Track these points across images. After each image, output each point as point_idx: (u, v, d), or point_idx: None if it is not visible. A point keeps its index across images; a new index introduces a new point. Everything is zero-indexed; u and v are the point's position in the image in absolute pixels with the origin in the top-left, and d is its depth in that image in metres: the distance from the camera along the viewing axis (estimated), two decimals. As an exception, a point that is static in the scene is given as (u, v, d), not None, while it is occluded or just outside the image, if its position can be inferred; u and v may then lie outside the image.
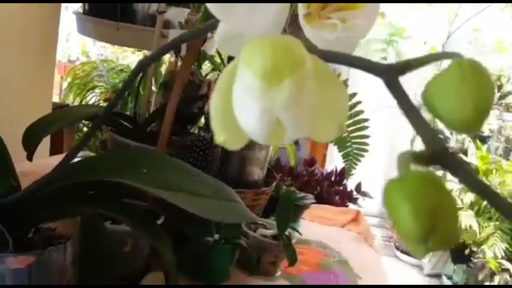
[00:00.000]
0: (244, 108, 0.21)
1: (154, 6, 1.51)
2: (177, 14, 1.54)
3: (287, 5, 0.24)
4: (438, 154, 0.20)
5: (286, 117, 0.21)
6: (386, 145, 3.76)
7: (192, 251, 0.87)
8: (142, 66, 0.50)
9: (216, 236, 0.90)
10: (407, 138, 3.75)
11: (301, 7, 0.24)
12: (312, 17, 0.24)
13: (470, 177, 0.20)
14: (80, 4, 1.54)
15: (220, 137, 0.23)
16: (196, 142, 0.92)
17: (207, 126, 0.93)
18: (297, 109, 0.20)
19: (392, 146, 3.88)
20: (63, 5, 1.56)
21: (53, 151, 1.58)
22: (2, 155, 0.52)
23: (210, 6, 0.23)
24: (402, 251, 3.58)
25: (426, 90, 0.21)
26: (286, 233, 0.96)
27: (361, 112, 0.86)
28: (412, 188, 0.20)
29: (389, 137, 3.92)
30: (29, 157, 0.75)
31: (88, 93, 2.21)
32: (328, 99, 0.23)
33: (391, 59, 3.71)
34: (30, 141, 0.76)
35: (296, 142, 2.18)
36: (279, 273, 0.98)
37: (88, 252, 0.66)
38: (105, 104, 2.19)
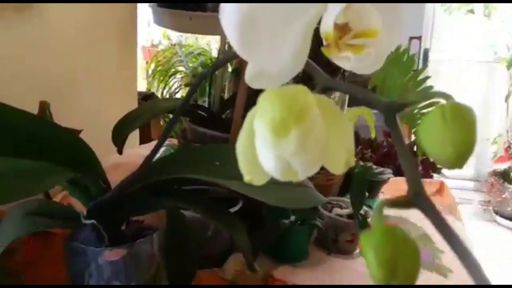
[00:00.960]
0: (262, 154, 0.24)
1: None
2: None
3: (308, 43, 0.26)
4: (413, 198, 0.22)
5: (295, 162, 0.24)
6: (478, 105, 3.56)
7: (270, 233, 0.91)
8: (207, 74, 0.54)
9: (292, 218, 0.93)
10: (501, 95, 3.53)
11: (324, 38, 0.26)
12: (331, 48, 0.26)
13: (438, 219, 0.23)
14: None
15: (246, 177, 0.26)
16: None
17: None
18: (305, 155, 0.23)
19: (485, 106, 3.67)
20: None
21: (143, 140, 1.70)
22: (92, 161, 0.59)
23: (236, 46, 0.26)
24: (501, 215, 3.38)
25: (416, 131, 0.23)
26: (362, 211, 0.98)
27: (429, 88, 0.84)
28: (376, 240, 0.23)
29: (483, 95, 3.72)
30: (119, 151, 0.82)
31: (171, 79, 2.33)
32: (336, 136, 0.25)
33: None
34: (118, 137, 0.84)
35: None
36: (357, 250, 1.00)
37: (174, 240, 0.73)
38: (186, 89, 2.29)
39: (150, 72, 2.59)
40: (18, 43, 1.03)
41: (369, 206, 1.02)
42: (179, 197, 0.69)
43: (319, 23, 0.27)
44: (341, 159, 0.27)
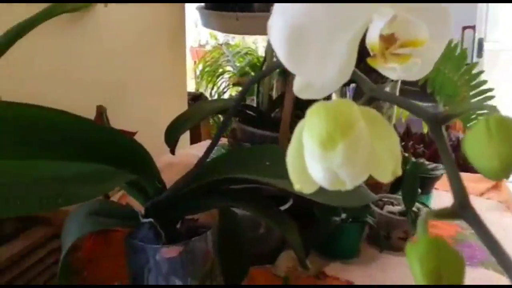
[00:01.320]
0: (311, 166, 0.25)
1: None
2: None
3: (354, 55, 0.27)
4: (459, 210, 0.23)
5: (343, 173, 0.25)
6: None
7: (322, 230, 0.92)
8: (255, 81, 0.55)
9: (344, 215, 0.94)
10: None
11: (371, 49, 0.27)
12: (377, 58, 0.27)
13: (483, 232, 0.23)
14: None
15: (296, 186, 0.28)
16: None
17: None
18: (352, 166, 0.24)
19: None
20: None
21: (193, 140, 1.74)
22: (148, 163, 0.62)
23: (283, 61, 0.27)
24: None
25: (463, 144, 0.24)
26: (415, 208, 0.97)
27: (484, 82, 0.82)
28: (421, 251, 0.25)
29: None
30: (172, 152, 0.86)
31: (218, 79, 2.37)
32: (382, 145, 0.26)
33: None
34: (171, 139, 0.88)
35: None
36: (410, 247, 0.99)
37: (227, 238, 0.76)
38: (234, 88, 2.32)
39: (198, 72, 2.64)
40: (73, 51, 1.08)
41: (422, 203, 1.01)
42: (231, 196, 0.71)
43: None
44: (388, 169, 0.28)
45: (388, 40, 0.27)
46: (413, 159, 1.31)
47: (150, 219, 0.65)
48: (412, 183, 0.96)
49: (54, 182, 0.48)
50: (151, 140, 0.89)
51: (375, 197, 0.77)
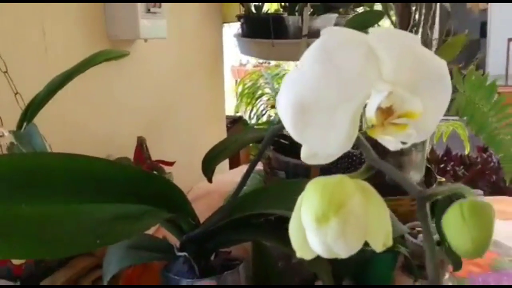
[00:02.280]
0: (309, 238, 0.28)
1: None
2: (326, 21, 1.60)
3: (357, 126, 0.30)
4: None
5: (337, 246, 0.27)
6: None
7: (353, 261, 0.93)
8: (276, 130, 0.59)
9: (376, 245, 0.94)
10: None
11: (369, 122, 0.29)
12: (376, 128, 0.29)
13: None
14: (239, 27, 1.70)
15: (298, 253, 0.30)
16: (345, 159, 0.97)
17: (355, 143, 0.98)
18: (345, 240, 0.27)
19: None
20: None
21: (232, 163, 1.78)
22: (182, 202, 0.65)
23: (290, 132, 0.30)
24: None
25: (443, 221, 0.26)
26: (449, 237, 0.96)
27: (503, 99, 0.81)
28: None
29: None
30: (209, 181, 0.89)
31: (257, 101, 2.42)
32: (376, 218, 0.28)
33: None
34: (208, 168, 0.91)
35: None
36: (446, 276, 0.99)
37: (260, 269, 0.78)
38: (272, 111, 2.36)
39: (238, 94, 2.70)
40: (115, 83, 1.15)
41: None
42: (262, 230, 0.74)
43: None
44: (379, 239, 0.30)
45: (386, 111, 0.29)
46: (451, 182, 1.31)
47: (185, 253, 0.68)
48: (445, 211, 0.95)
49: (95, 224, 0.53)
50: (191, 166, 0.93)
51: (404, 229, 0.78)
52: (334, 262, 0.94)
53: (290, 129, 0.30)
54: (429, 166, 1.21)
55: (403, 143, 0.30)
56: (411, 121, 0.29)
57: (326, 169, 1.07)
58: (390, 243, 0.30)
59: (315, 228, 0.27)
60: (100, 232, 0.53)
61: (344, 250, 0.28)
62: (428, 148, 1.29)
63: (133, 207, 0.58)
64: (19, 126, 0.64)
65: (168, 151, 1.27)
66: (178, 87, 1.35)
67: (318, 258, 0.74)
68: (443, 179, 1.40)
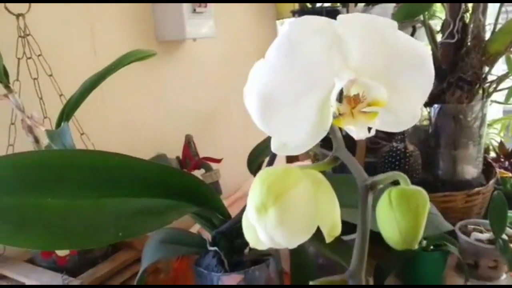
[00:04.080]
0: (257, 228, 0.28)
1: (359, 10, 1.55)
2: (382, 11, 1.55)
3: (328, 116, 0.28)
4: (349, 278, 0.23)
5: (276, 235, 0.27)
6: None
7: (398, 259, 0.90)
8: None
9: (424, 243, 0.90)
10: None
11: (334, 111, 0.28)
12: (345, 117, 0.28)
13: None
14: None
15: (251, 244, 0.30)
16: (390, 153, 0.94)
17: (400, 137, 0.94)
18: (284, 228, 0.26)
19: None
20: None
21: (290, 159, 1.76)
22: (211, 198, 0.66)
23: (258, 124, 0.30)
24: None
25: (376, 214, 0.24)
26: (505, 235, 0.90)
27: None
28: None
29: None
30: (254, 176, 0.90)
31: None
32: (324, 208, 0.27)
33: None
34: (253, 164, 0.92)
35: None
36: (504, 276, 0.93)
37: (298, 266, 0.78)
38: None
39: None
40: (164, 83, 1.18)
41: (514, 230, 0.93)
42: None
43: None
44: (326, 230, 0.29)
45: (354, 99, 0.28)
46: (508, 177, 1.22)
47: (215, 248, 0.69)
48: (501, 209, 0.89)
49: (117, 217, 0.55)
50: (239, 163, 0.94)
51: (449, 226, 0.74)
52: (378, 260, 0.92)
53: (257, 119, 0.30)
54: (489, 160, 1.14)
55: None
56: (380, 109, 0.28)
57: (372, 164, 1.04)
58: (335, 234, 0.29)
59: (256, 218, 0.27)
60: (122, 225, 0.55)
61: (284, 239, 0.27)
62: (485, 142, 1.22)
63: (157, 201, 0.60)
64: (58, 125, 0.68)
65: (217, 148, 1.30)
66: (228, 85, 1.37)
67: (347, 252, 0.72)
68: (509, 174, 1.31)
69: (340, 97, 0.29)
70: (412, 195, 0.24)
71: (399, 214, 0.23)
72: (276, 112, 0.29)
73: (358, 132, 0.28)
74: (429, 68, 0.30)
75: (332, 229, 0.29)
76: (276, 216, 0.26)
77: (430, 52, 0.31)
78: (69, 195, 0.53)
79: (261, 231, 0.27)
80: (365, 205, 0.26)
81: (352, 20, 0.29)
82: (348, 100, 0.28)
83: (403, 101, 0.29)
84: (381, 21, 0.29)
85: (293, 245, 0.28)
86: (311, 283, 0.26)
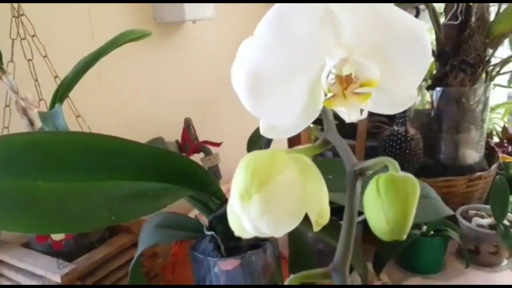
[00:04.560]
0: (241, 216, 0.26)
1: None
2: None
3: (318, 98, 0.27)
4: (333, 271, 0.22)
5: (261, 224, 0.25)
6: None
7: (398, 244, 0.89)
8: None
9: (424, 228, 0.89)
10: None
11: (325, 91, 0.27)
12: (336, 98, 0.27)
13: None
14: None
15: (236, 233, 0.29)
16: (391, 137, 0.93)
17: (401, 121, 0.93)
18: (269, 216, 0.25)
19: None
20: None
21: (292, 143, 1.75)
22: (207, 182, 0.65)
23: (246, 105, 0.28)
24: None
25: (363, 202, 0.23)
26: (506, 221, 0.89)
27: None
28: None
29: None
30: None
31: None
32: (312, 194, 0.26)
33: None
34: (252, 149, 0.91)
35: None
36: (504, 262, 0.92)
37: (296, 252, 0.77)
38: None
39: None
40: (163, 66, 1.17)
41: (516, 216, 0.92)
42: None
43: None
44: (313, 216, 0.28)
45: (346, 80, 0.27)
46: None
47: (212, 232, 0.69)
48: (503, 194, 0.88)
49: (110, 201, 0.54)
50: (239, 147, 0.93)
51: (450, 211, 0.73)
52: (378, 245, 0.91)
53: (244, 100, 0.29)
54: (492, 145, 1.12)
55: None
56: (373, 89, 0.26)
57: (373, 148, 1.03)
58: (324, 221, 0.28)
59: (240, 205, 0.26)
60: (116, 208, 0.54)
61: (269, 228, 0.26)
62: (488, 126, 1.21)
63: (152, 185, 0.59)
64: (51, 107, 0.67)
65: (217, 132, 1.28)
66: (228, 68, 1.34)
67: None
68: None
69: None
70: (401, 182, 0.22)
71: (386, 202, 0.22)
72: (265, 93, 0.28)
73: (349, 114, 0.27)
74: (425, 46, 0.29)
75: (320, 216, 0.28)
76: (261, 204, 0.25)
77: (427, 30, 0.30)
78: (61, 178, 0.52)
79: (245, 219, 0.26)
80: (352, 192, 0.25)
81: (345, -5, 0.27)
82: (340, 80, 0.27)
83: (399, 81, 0.28)
84: (375, -4, 0.28)
85: (280, 234, 0.27)
86: (291, 277, 0.25)
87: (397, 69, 0.28)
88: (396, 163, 0.23)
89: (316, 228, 0.28)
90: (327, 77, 0.27)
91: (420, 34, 0.28)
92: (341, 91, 0.27)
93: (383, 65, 0.28)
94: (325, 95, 0.27)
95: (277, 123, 0.29)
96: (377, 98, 0.28)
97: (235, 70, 0.29)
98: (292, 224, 0.28)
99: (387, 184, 0.22)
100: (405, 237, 0.23)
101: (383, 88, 0.28)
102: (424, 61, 0.29)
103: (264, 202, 0.25)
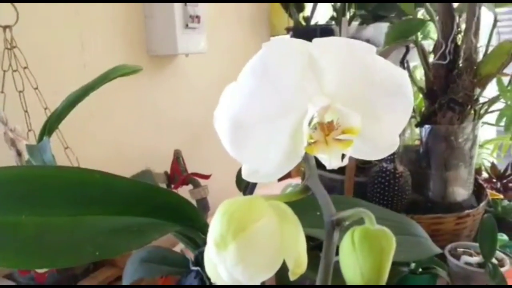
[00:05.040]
0: (217, 266, 0.26)
1: (352, 30, 1.55)
2: (376, 30, 1.55)
3: (301, 142, 0.27)
4: None
5: (236, 272, 0.25)
6: None
7: (388, 280, 0.88)
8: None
9: (413, 265, 0.89)
10: None
11: (306, 138, 0.27)
12: (318, 145, 0.27)
13: None
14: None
15: (212, 279, 0.28)
16: (379, 173, 0.93)
17: (390, 158, 0.93)
18: (245, 265, 0.25)
19: None
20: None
21: (283, 177, 1.75)
22: (194, 217, 0.65)
23: (228, 149, 0.29)
24: None
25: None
26: (495, 259, 0.89)
27: None
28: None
29: None
30: (244, 194, 0.88)
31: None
32: (289, 242, 0.26)
33: None
34: (241, 181, 0.91)
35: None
36: (493, 302, 0.91)
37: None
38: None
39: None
40: (159, 96, 1.17)
41: (504, 253, 0.92)
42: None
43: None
44: (290, 263, 0.28)
45: (329, 127, 0.27)
46: (507, 202, 1.21)
47: (197, 268, 0.68)
48: (491, 232, 0.88)
49: (94, 236, 0.53)
50: (228, 179, 0.93)
51: (438, 250, 0.73)
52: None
53: (227, 144, 0.29)
54: (480, 182, 1.13)
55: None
56: (370, 130, 0.27)
57: (362, 184, 1.03)
58: (300, 271, 0.28)
59: (216, 253, 0.26)
60: (100, 244, 0.53)
61: (245, 276, 0.26)
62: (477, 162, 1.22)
63: (138, 220, 0.59)
64: (40, 139, 0.67)
65: (206, 164, 1.28)
66: (218, 101, 1.36)
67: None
68: (501, 196, 1.30)
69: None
70: (376, 236, 0.22)
71: (361, 256, 0.22)
72: (247, 138, 0.28)
73: (331, 160, 0.27)
74: (407, 95, 0.29)
75: (297, 265, 0.28)
76: (237, 252, 0.25)
77: (408, 78, 0.30)
78: (45, 212, 0.52)
79: (221, 267, 0.26)
80: (330, 242, 0.25)
81: (328, 44, 0.28)
82: (322, 127, 0.27)
83: (381, 128, 0.28)
84: (358, 45, 0.28)
85: (256, 282, 0.27)
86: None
87: (379, 117, 0.28)
88: (373, 216, 0.23)
89: (292, 277, 0.28)
90: (309, 123, 0.27)
91: (401, 82, 0.29)
92: (323, 137, 0.27)
93: (365, 113, 0.28)
94: (307, 141, 0.27)
95: (259, 167, 0.29)
96: (359, 144, 0.29)
97: (218, 114, 0.29)
98: (268, 272, 0.27)
99: (362, 238, 0.22)
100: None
101: (365, 135, 0.28)
102: (406, 109, 0.29)
103: (240, 250, 0.25)
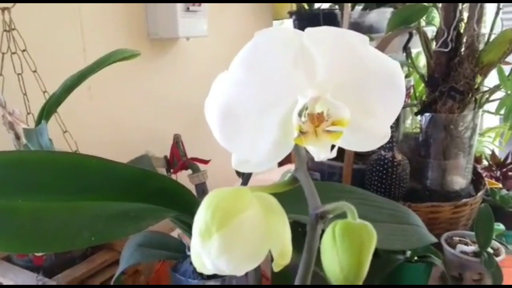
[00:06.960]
0: (201, 256, 0.26)
1: (355, 15, 1.54)
2: (380, 15, 1.54)
3: (290, 133, 0.27)
4: None
5: (220, 263, 0.25)
6: None
7: (382, 269, 0.89)
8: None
9: (408, 254, 0.89)
10: None
11: (296, 129, 0.27)
12: (308, 136, 0.27)
13: None
14: (291, 23, 1.67)
15: (197, 269, 0.29)
16: (378, 161, 0.93)
17: (389, 146, 0.93)
18: (229, 256, 0.25)
19: None
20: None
21: (283, 162, 1.76)
22: (190, 202, 0.65)
23: (218, 138, 0.28)
24: None
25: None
26: (490, 248, 0.89)
27: None
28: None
29: None
30: (242, 179, 0.88)
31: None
32: (274, 230, 0.26)
33: None
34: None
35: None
36: (488, 291, 0.92)
37: (278, 272, 0.77)
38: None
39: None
40: (160, 79, 1.17)
41: (501, 242, 0.92)
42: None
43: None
44: (275, 253, 0.28)
45: (319, 118, 0.27)
46: (505, 191, 1.21)
47: (193, 253, 0.68)
48: (486, 222, 0.88)
49: (90, 221, 0.54)
50: (228, 165, 0.93)
51: (433, 239, 0.73)
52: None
53: (217, 134, 0.29)
54: (479, 171, 1.13)
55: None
56: (343, 129, 0.27)
57: (361, 171, 1.03)
58: (285, 262, 0.28)
59: (200, 243, 0.26)
60: (96, 229, 0.53)
61: (229, 267, 0.26)
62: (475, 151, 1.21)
63: (134, 206, 0.59)
64: (38, 123, 0.67)
65: (206, 149, 1.28)
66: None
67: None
68: (499, 185, 1.30)
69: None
70: (357, 230, 0.22)
71: (341, 249, 0.22)
72: (237, 127, 0.28)
73: (319, 152, 0.27)
74: (399, 85, 0.29)
75: (281, 257, 0.28)
76: (221, 243, 0.25)
77: (400, 69, 0.30)
78: (42, 198, 0.52)
79: (205, 257, 0.26)
80: (313, 235, 0.25)
81: (320, 34, 0.28)
82: (312, 118, 0.27)
83: (372, 120, 0.28)
84: (350, 36, 0.28)
85: (240, 272, 0.27)
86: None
87: (371, 108, 0.28)
88: (355, 210, 0.23)
89: (276, 268, 0.28)
90: (299, 114, 0.27)
91: (394, 73, 0.29)
92: (313, 128, 0.27)
93: (357, 104, 0.28)
94: (297, 132, 0.27)
95: (249, 157, 0.29)
96: (350, 136, 0.29)
97: (208, 103, 0.29)
98: (253, 263, 0.28)
99: (343, 232, 0.22)
100: (360, 283, 0.23)
101: (356, 126, 0.28)
102: (397, 100, 0.29)
103: (225, 241, 0.25)
